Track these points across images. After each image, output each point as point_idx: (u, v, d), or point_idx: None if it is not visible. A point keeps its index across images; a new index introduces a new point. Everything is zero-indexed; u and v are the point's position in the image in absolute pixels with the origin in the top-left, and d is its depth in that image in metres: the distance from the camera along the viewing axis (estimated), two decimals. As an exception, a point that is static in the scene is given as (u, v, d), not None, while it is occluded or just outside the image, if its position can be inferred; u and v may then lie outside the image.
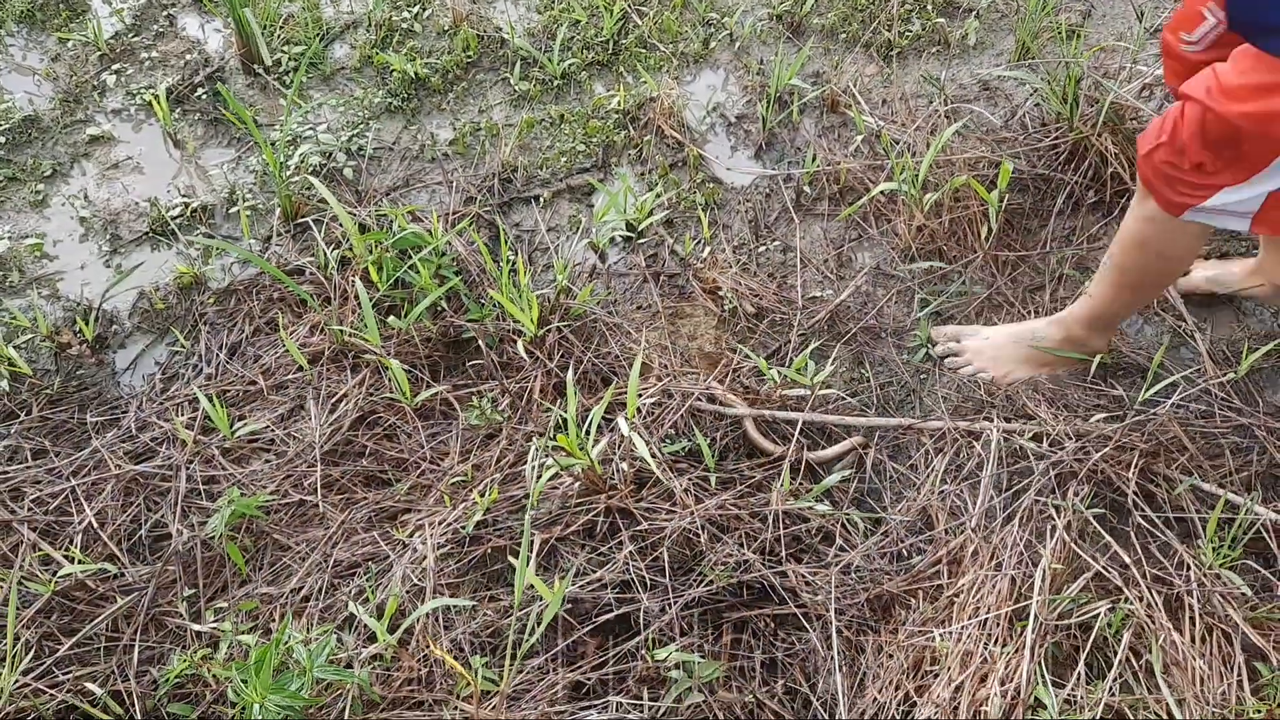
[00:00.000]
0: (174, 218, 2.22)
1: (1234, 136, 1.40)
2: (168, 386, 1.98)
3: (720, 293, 1.99)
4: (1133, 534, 1.64)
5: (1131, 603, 1.50)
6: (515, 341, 1.91)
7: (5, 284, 2.14)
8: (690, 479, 1.72)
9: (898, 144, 2.18)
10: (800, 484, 1.71)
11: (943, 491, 1.67)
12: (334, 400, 1.90)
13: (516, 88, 2.43)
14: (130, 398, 1.97)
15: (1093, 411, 1.80)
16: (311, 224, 2.14)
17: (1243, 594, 1.53)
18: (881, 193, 2.12)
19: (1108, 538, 1.62)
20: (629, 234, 2.12)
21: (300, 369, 1.94)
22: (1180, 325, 1.95)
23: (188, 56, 2.54)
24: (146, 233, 2.22)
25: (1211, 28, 1.49)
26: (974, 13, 2.50)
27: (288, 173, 2.22)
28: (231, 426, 1.86)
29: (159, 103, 2.38)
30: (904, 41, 2.44)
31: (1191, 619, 1.49)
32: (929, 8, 2.51)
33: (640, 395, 1.78)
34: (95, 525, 1.75)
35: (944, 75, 2.38)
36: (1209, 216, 1.52)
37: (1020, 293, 2.01)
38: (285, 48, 2.49)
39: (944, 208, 2.07)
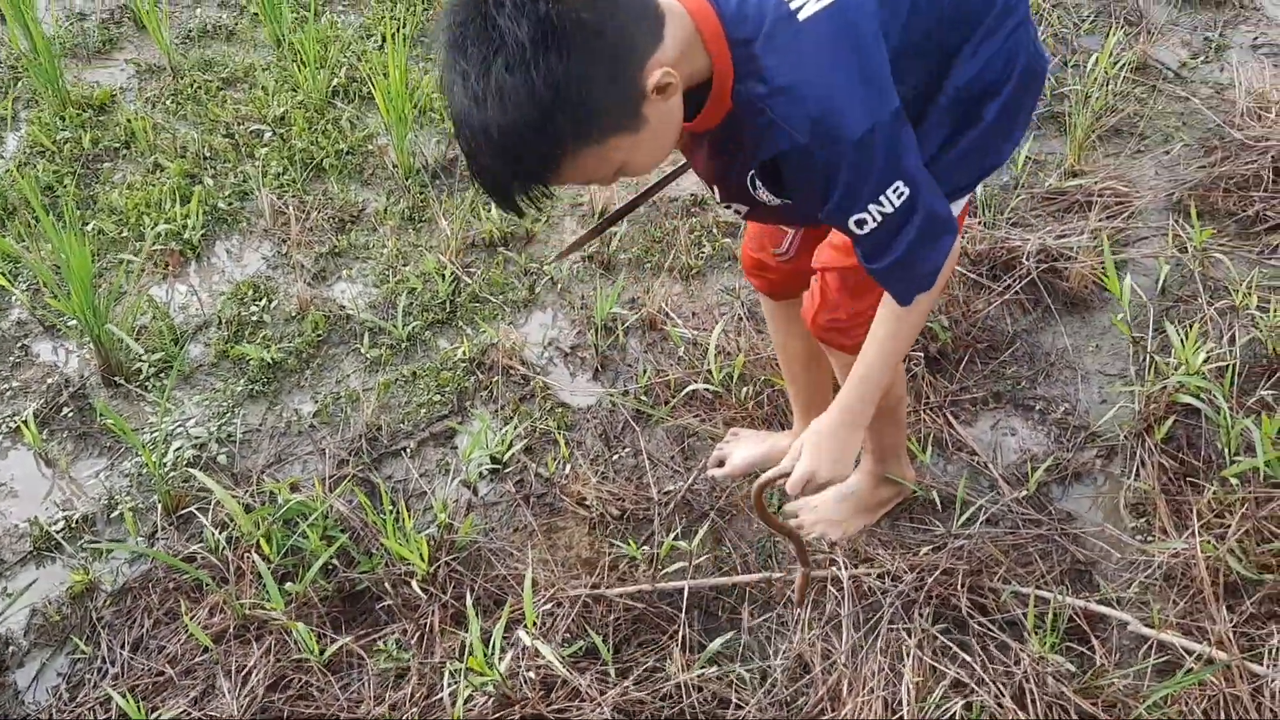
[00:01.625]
0: (57, 531, 2.32)
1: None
2: (75, 694, 2.03)
3: (586, 503, 2.23)
4: (974, 641, 1.91)
5: (983, 697, 1.75)
6: (409, 582, 2.07)
7: (-110, 628, 2.17)
8: (591, 675, 1.89)
9: (715, 348, 2.52)
10: (688, 658, 1.91)
11: (811, 637, 1.91)
12: (244, 673, 2.00)
13: (368, 355, 2.68)
14: (38, 714, 2.01)
15: (922, 545, 2.10)
16: (196, 513, 2.28)
17: (1069, 670, 1.81)
18: (705, 391, 2.44)
19: (955, 648, 1.88)
20: (495, 466, 2.35)
21: (206, 649, 2.04)
22: (974, 459, 2.30)
23: (49, 380, 2.68)
24: (31, 551, 2.30)
25: (795, 235, 1.84)
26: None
27: (165, 469, 2.36)
28: (147, 718, 1.92)
29: (27, 427, 2.50)
30: (699, 263, 2.84)
31: (1033, 700, 1.75)
32: (715, 232, 2.94)
33: (533, 607, 1.97)
34: (23, 845, 1.76)
35: (738, 285, 2.78)
36: None
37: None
38: (144, 356, 2.67)
39: (761, 396, 2.40)
